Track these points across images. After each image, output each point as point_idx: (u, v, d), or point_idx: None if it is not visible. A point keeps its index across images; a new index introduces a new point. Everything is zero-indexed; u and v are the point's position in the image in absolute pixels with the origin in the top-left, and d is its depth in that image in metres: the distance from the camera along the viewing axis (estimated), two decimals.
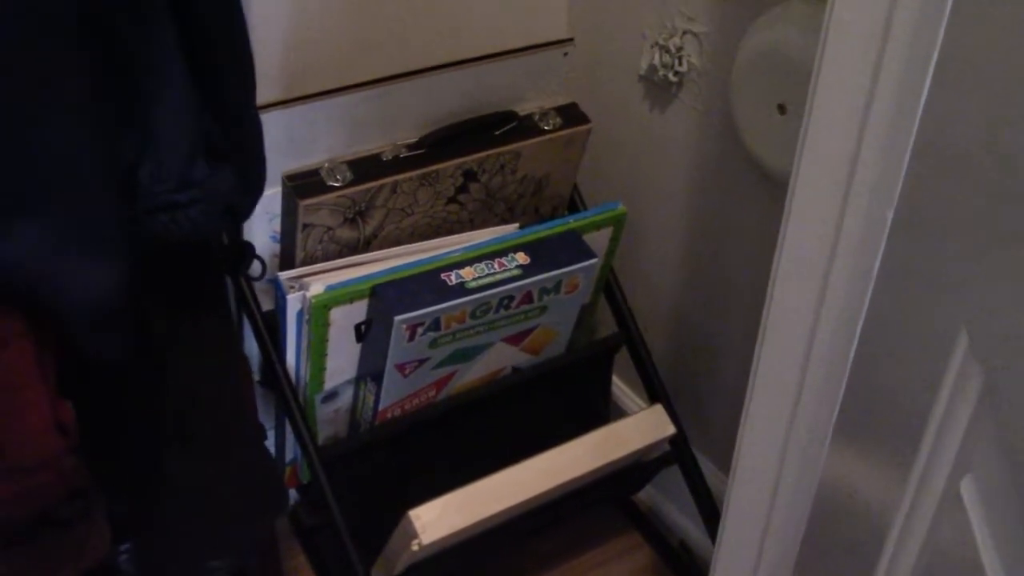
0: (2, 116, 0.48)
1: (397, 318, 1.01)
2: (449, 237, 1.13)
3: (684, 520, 1.35)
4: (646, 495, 1.39)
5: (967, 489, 0.58)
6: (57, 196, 0.52)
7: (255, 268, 0.94)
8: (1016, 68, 0.54)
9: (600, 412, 1.27)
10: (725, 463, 1.26)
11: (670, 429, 1.18)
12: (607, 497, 1.32)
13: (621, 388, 1.39)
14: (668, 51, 1.17)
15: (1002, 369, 0.55)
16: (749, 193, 1.13)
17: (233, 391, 0.73)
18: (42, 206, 0.51)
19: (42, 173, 0.51)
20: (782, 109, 1.01)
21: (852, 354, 0.71)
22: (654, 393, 1.22)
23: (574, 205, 1.25)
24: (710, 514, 1.21)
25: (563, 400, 1.23)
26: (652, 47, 1.19)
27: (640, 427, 1.17)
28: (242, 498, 0.76)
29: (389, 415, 1.11)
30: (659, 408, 1.19)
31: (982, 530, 0.56)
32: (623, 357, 1.27)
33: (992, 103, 0.56)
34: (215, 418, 0.71)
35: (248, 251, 0.68)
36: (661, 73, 1.18)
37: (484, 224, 1.17)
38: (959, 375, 0.58)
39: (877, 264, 0.67)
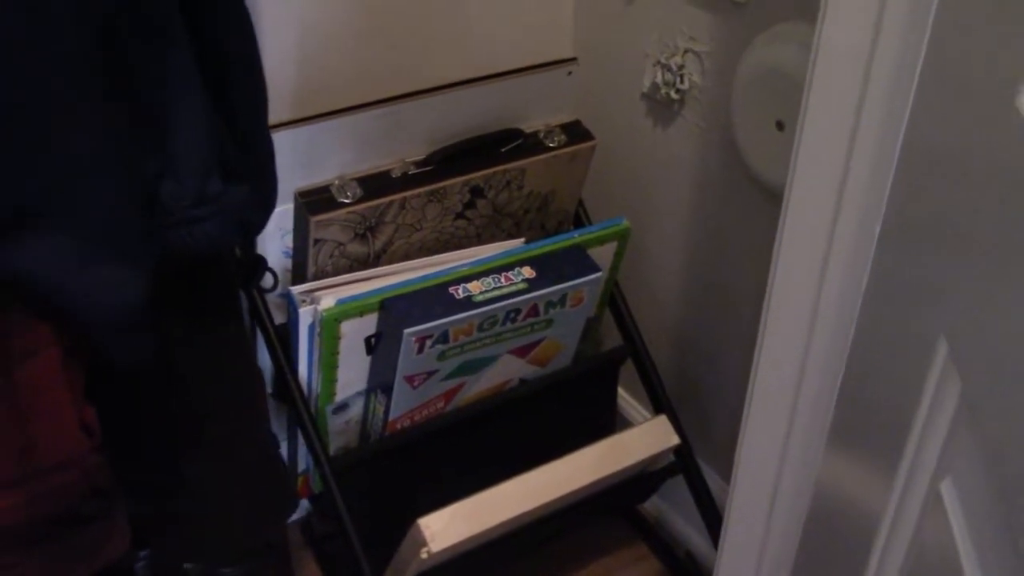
0: (19, 127, 0.51)
1: (406, 331, 1.03)
2: (457, 252, 1.15)
3: (690, 530, 1.36)
4: (652, 506, 1.41)
5: (947, 491, 0.60)
6: (76, 207, 0.54)
7: (267, 280, 0.97)
8: (997, 79, 0.56)
9: (606, 423, 1.29)
10: (728, 473, 1.28)
11: (674, 439, 1.20)
12: (613, 507, 1.34)
13: (626, 399, 1.41)
14: (670, 69, 1.19)
15: (978, 376, 0.57)
16: (750, 208, 1.15)
17: (247, 397, 0.76)
18: (61, 217, 0.53)
19: (60, 185, 0.53)
20: (780, 126, 1.04)
21: (845, 363, 0.73)
22: (659, 404, 1.24)
23: (579, 220, 1.28)
24: (714, 523, 1.23)
25: (570, 411, 1.25)
26: (654, 66, 1.21)
27: (645, 437, 1.19)
28: (255, 500, 0.78)
29: (399, 426, 1.14)
30: (663, 419, 1.21)
31: (961, 530, 0.58)
32: (627, 368, 1.29)
33: (975, 115, 0.59)
34: (229, 422, 0.73)
35: (260, 264, 0.71)
36: (663, 91, 1.20)
37: (491, 239, 1.20)
38: (939, 382, 0.60)
39: (867, 275, 0.69)
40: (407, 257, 1.14)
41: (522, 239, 1.20)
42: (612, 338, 1.31)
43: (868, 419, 0.71)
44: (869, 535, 0.69)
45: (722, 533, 0.94)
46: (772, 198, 1.10)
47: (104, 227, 0.56)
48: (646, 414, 1.36)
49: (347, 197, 1.07)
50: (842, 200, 0.72)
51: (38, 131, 0.52)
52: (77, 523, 0.60)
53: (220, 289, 0.70)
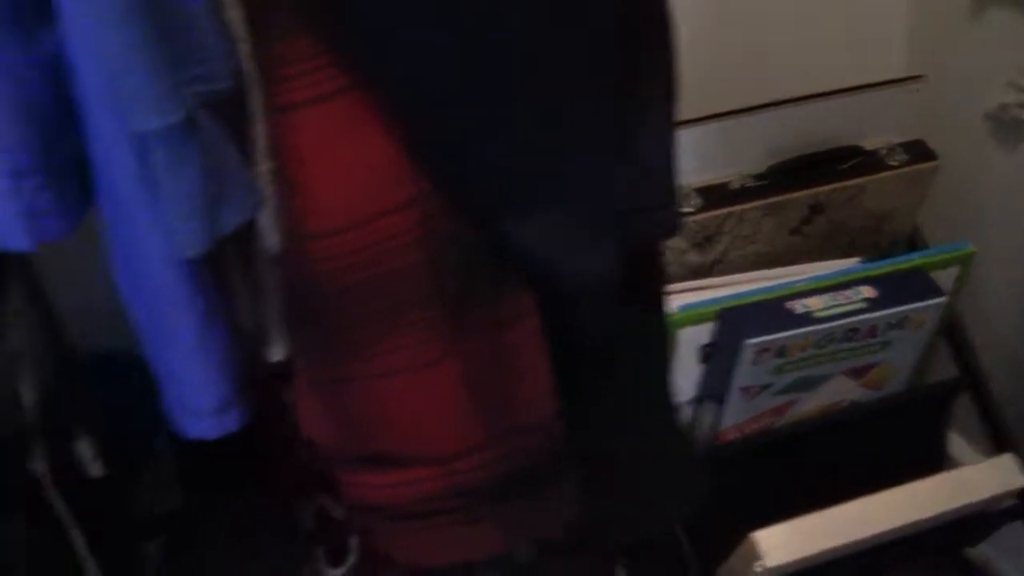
0: (546, 108, 0.56)
1: (748, 341, 1.02)
2: (791, 267, 1.14)
3: None
4: (980, 550, 1.32)
5: None
6: (576, 187, 0.58)
7: None
8: None
9: (934, 457, 1.23)
10: None
11: (1020, 481, 1.12)
12: (943, 546, 1.26)
13: (953, 435, 1.34)
14: (1021, 89, 1.13)
15: None
16: None
17: (669, 383, 0.77)
18: (563, 196, 0.58)
19: (565, 164, 0.58)
20: None
21: None
22: (1000, 442, 1.17)
23: (913, 242, 1.23)
24: None
25: (898, 440, 1.20)
26: (1005, 85, 1.16)
27: (988, 476, 1.11)
28: (665, 490, 0.80)
29: (728, 437, 1.13)
30: (1009, 457, 1.13)
31: None
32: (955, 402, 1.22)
33: None
34: (655, 407, 0.76)
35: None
36: (1014, 112, 1.14)
37: (824, 256, 1.17)
38: None
39: None
40: (739, 269, 1.14)
41: (856, 258, 1.17)
42: (939, 368, 1.24)
43: None
44: None
45: None
46: None
47: (594, 208, 0.60)
48: (974, 452, 1.28)
49: (689, 207, 1.08)
50: None
51: (559, 112, 0.56)
52: (537, 485, 0.64)
53: (657, 276, 0.73)
